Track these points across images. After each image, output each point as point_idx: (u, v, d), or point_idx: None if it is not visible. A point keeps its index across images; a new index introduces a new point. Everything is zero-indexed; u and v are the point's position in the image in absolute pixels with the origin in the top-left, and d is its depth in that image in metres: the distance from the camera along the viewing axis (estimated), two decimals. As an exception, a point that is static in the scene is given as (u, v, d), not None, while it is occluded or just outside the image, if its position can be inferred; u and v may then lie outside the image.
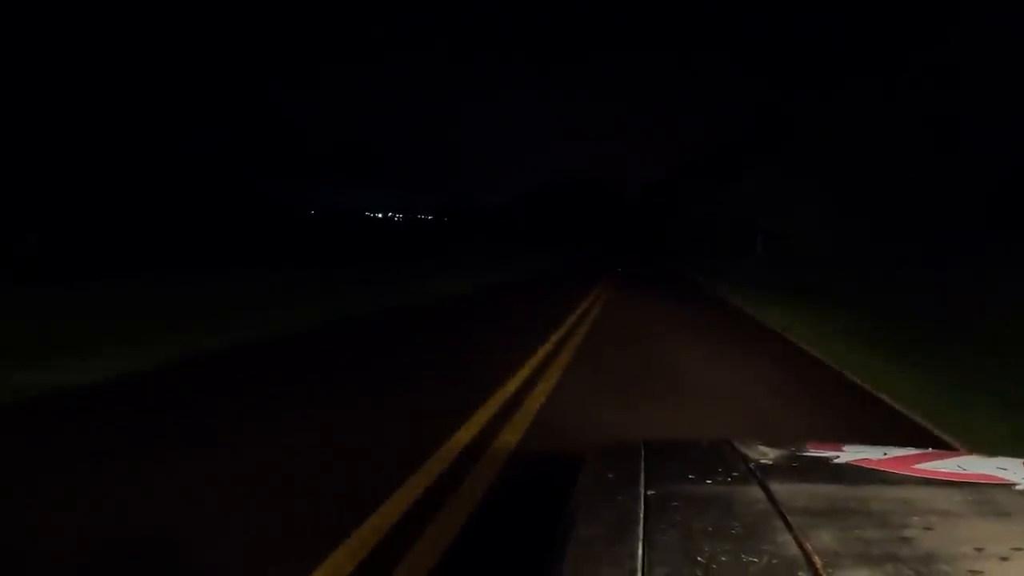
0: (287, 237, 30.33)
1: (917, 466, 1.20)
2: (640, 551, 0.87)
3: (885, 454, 1.28)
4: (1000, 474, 1.16)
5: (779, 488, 1.08)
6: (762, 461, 1.24)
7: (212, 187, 33.70)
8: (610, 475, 1.20)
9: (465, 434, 3.98)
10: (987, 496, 1.04)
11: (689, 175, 61.78)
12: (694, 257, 39.38)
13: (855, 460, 1.24)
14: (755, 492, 1.07)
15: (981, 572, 0.80)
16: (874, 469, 1.19)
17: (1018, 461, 1.24)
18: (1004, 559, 0.83)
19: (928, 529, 0.92)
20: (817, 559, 0.83)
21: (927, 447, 1.36)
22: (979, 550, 0.85)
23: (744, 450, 1.30)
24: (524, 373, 5.84)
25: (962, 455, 1.32)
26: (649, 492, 1.09)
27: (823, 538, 0.89)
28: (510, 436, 4.01)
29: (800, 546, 0.87)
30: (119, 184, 25.93)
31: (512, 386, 5.33)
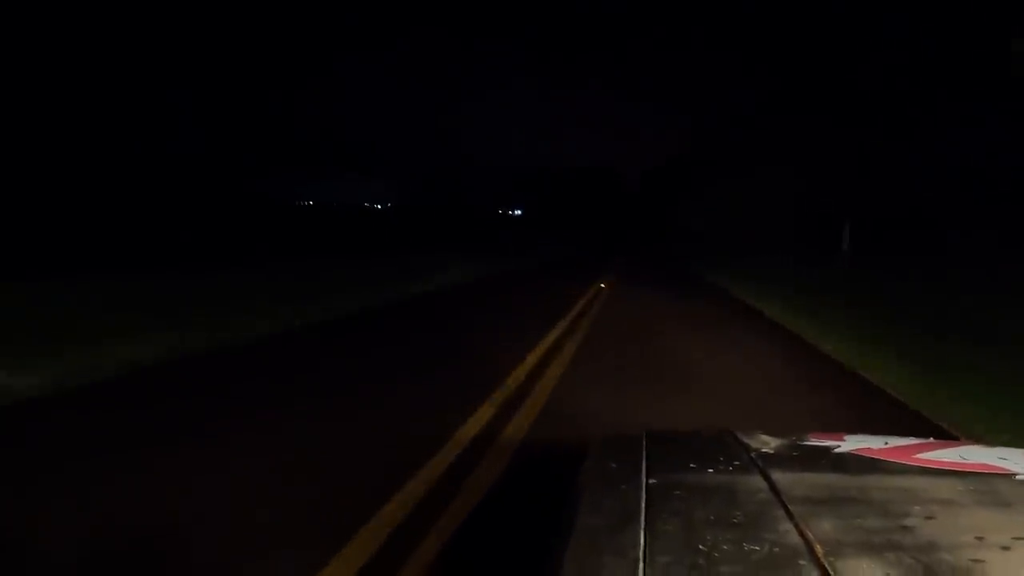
0: (279, 232, 29.83)
1: (918, 456, 1.20)
2: (642, 540, 0.88)
3: (886, 443, 1.28)
4: (1001, 464, 1.16)
5: (780, 477, 1.08)
6: (763, 450, 1.24)
7: (206, 185, 33.21)
8: (612, 465, 1.21)
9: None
10: (988, 486, 1.04)
11: (701, 154, 45.68)
12: (725, 258, 26.36)
13: (856, 449, 1.24)
14: (757, 481, 1.07)
15: (982, 561, 0.80)
16: (875, 458, 1.19)
17: (1019, 451, 1.24)
18: (1005, 548, 0.84)
19: (929, 518, 0.92)
20: (818, 548, 0.83)
21: (929, 437, 1.36)
22: (980, 539, 0.86)
23: (746, 440, 1.30)
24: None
25: (963, 445, 1.32)
26: (651, 481, 1.09)
27: (824, 527, 0.89)
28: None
29: (801, 535, 0.87)
30: (113, 182, 25.75)
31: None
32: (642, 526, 0.92)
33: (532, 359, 6.42)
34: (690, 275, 22.21)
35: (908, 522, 0.90)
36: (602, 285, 14.67)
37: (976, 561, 0.80)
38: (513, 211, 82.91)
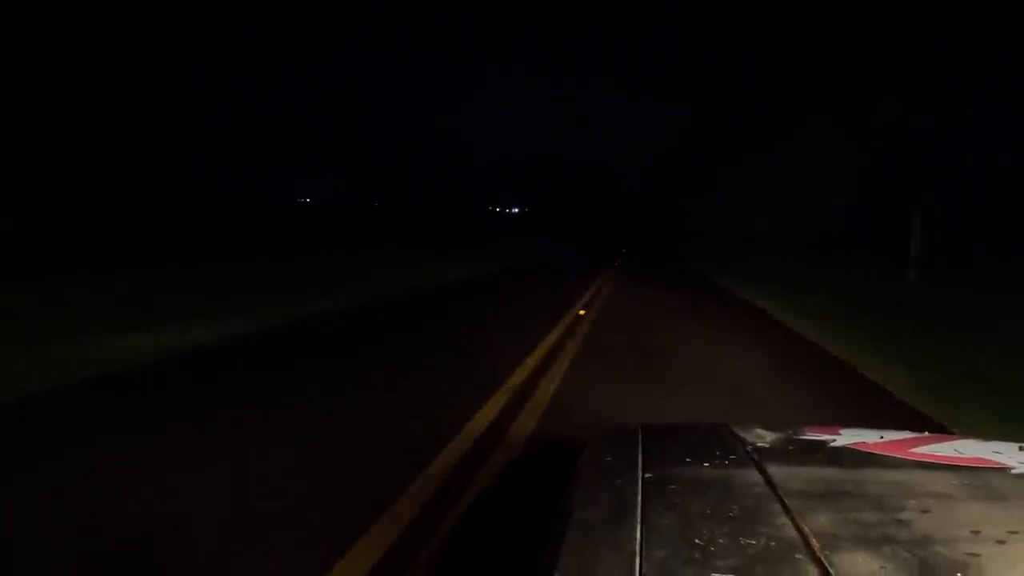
0: (280, 229, 29.60)
1: (913, 450, 1.21)
2: (639, 534, 0.88)
3: (882, 437, 1.29)
4: (996, 458, 1.16)
5: (776, 471, 1.08)
6: (759, 444, 1.24)
7: (207, 185, 32.53)
8: (609, 459, 1.21)
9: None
10: (983, 479, 1.05)
11: (708, 141, 38.64)
12: (740, 262, 22.72)
13: (852, 443, 1.24)
14: (753, 475, 1.07)
15: (978, 555, 0.80)
16: (871, 452, 1.19)
17: (1014, 445, 1.24)
18: (1000, 542, 0.84)
19: (925, 512, 0.92)
20: (814, 541, 0.83)
21: (924, 431, 1.36)
22: (975, 533, 0.86)
23: (742, 433, 1.30)
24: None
25: (959, 439, 1.32)
26: (647, 475, 1.09)
27: (820, 521, 0.89)
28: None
29: (797, 529, 0.87)
30: (113, 183, 25.25)
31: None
32: (638, 520, 0.92)
33: (531, 361, 6.20)
34: (701, 281, 17.87)
35: (904, 516, 0.90)
36: (581, 312, 9.95)
37: (971, 555, 0.80)
38: (511, 209, 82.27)
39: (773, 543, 0.83)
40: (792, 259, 20.30)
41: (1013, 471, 1.09)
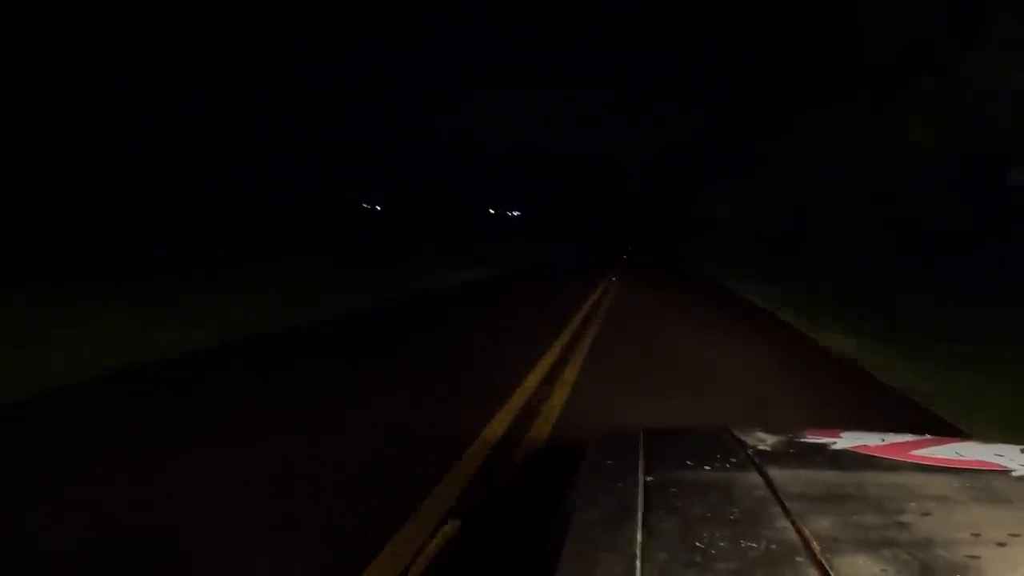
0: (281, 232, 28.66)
1: (915, 452, 1.21)
2: (639, 537, 0.88)
3: (883, 440, 1.29)
4: (997, 460, 1.16)
5: (777, 474, 1.08)
6: (760, 447, 1.24)
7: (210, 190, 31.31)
8: (609, 462, 1.21)
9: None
10: (984, 482, 1.05)
11: (726, 119, 33.13)
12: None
13: (853, 446, 1.24)
14: (753, 478, 1.07)
15: (978, 557, 0.80)
16: (872, 455, 1.19)
17: (1015, 448, 1.24)
18: (1001, 544, 0.84)
19: (925, 515, 0.92)
20: (815, 544, 0.83)
21: (925, 434, 1.36)
22: (976, 536, 0.86)
23: (742, 436, 1.30)
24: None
25: (960, 441, 1.32)
26: (648, 478, 1.09)
27: (821, 524, 0.89)
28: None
29: (798, 531, 0.87)
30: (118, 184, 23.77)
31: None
32: (639, 523, 0.92)
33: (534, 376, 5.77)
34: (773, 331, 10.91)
35: (904, 519, 0.91)
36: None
37: (972, 557, 0.80)
38: (512, 212, 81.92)
39: (774, 546, 0.83)
40: (854, 269, 14.42)
41: (1014, 474, 1.09)
